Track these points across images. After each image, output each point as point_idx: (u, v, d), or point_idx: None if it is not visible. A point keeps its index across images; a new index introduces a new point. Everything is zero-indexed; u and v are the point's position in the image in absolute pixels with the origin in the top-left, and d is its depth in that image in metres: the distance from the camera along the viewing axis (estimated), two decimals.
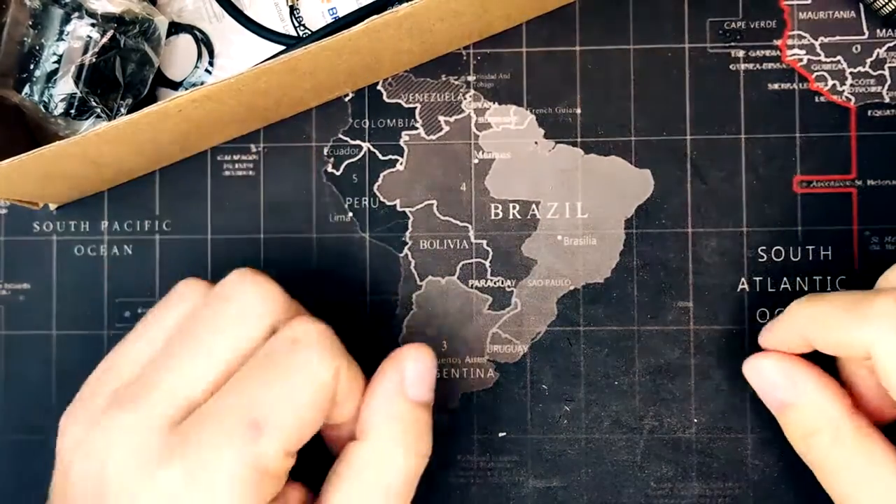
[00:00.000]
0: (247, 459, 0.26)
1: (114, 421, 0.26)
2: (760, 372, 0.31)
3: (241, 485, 0.25)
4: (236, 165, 0.35)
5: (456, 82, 0.35)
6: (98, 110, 0.33)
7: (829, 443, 0.29)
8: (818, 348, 0.30)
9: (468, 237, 0.35)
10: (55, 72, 0.32)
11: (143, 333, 0.29)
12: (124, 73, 0.33)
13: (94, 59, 0.32)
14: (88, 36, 0.32)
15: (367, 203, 0.35)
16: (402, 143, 0.35)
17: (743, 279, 0.34)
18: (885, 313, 0.27)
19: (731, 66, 0.34)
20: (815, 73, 0.34)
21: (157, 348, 0.29)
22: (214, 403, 0.27)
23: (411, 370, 0.29)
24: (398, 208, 0.35)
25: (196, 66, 0.35)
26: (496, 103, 0.35)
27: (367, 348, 0.30)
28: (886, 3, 0.33)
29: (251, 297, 0.28)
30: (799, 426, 0.30)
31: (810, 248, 0.34)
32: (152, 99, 0.35)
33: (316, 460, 0.29)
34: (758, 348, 0.32)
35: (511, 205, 0.35)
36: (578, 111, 0.34)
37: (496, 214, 0.34)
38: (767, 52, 0.34)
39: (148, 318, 0.30)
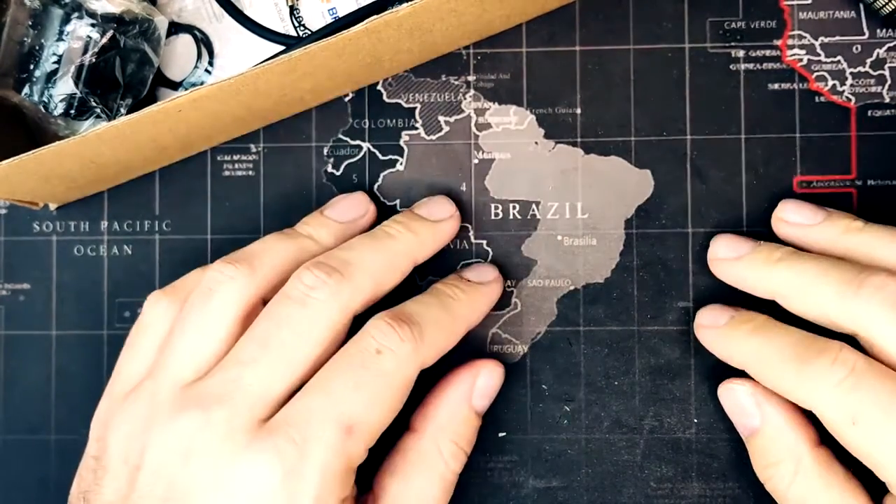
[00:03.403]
0: (339, 456, 0.27)
1: (196, 421, 0.27)
2: (733, 395, 0.31)
3: (331, 478, 0.27)
4: (236, 165, 0.35)
5: (456, 82, 0.35)
6: (98, 110, 0.33)
7: (789, 475, 0.29)
8: (789, 308, 0.30)
9: (468, 237, 0.35)
10: (55, 72, 0.32)
11: (193, 326, 0.30)
12: (124, 74, 0.33)
13: (93, 60, 0.32)
14: (88, 36, 0.32)
15: None
16: (402, 143, 0.35)
17: None
18: (880, 292, 0.27)
19: (731, 66, 0.34)
20: (815, 73, 0.34)
21: (218, 347, 0.29)
22: (302, 402, 0.28)
23: (482, 383, 0.32)
24: (398, 208, 0.35)
25: (196, 66, 0.35)
26: (496, 103, 0.35)
27: None
28: (886, 3, 0.33)
29: (323, 295, 0.29)
30: (762, 455, 0.30)
31: None
32: (152, 99, 0.35)
33: None
34: None
35: (511, 205, 0.35)
36: (578, 111, 0.34)
37: (496, 214, 0.34)
38: (767, 52, 0.34)
39: (193, 310, 0.30)
